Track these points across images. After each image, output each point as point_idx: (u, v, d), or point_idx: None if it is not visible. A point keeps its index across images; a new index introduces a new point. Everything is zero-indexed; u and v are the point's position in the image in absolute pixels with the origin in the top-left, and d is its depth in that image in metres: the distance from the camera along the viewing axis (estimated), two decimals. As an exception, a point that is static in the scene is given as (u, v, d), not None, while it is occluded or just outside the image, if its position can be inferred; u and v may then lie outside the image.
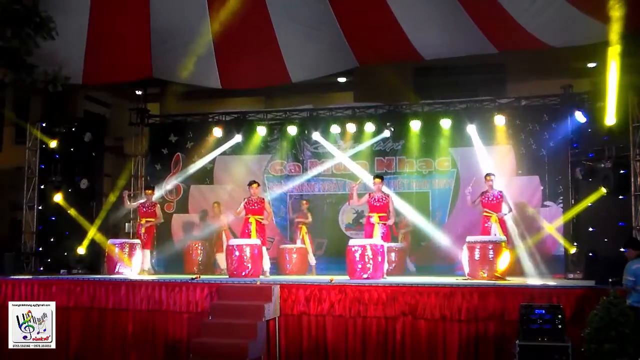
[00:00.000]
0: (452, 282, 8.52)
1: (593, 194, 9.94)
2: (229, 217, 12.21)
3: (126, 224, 12.58)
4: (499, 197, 9.86)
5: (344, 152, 12.50)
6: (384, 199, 9.86)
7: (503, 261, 9.06)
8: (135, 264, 10.48)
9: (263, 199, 10.60)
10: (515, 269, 10.33)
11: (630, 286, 6.60)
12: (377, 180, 9.96)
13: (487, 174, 10.05)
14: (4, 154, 15.86)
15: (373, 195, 9.92)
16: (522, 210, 11.42)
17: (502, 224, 9.79)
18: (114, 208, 12.29)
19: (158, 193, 13.00)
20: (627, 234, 9.18)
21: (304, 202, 12.28)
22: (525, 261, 11.01)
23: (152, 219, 11.16)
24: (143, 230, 11.01)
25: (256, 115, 12.98)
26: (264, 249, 10.21)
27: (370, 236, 9.72)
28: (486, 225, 9.79)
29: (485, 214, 9.89)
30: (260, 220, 10.25)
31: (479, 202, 9.96)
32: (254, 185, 10.45)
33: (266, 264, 10.27)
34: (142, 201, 11.40)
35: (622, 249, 7.12)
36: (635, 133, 9.49)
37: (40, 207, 11.88)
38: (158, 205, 11.53)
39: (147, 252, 11.12)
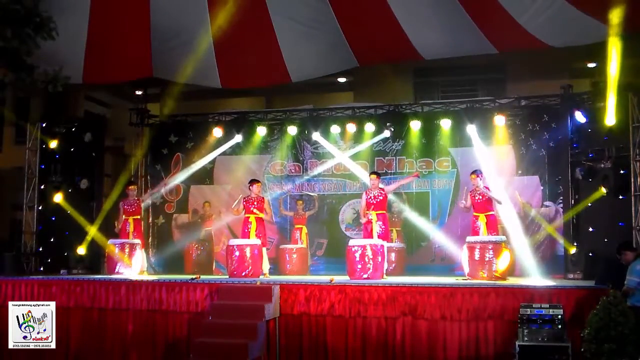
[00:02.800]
0: (452, 282, 8.52)
1: (593, 194, 9.94)
2: (226, 218, 12.25)
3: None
4: (485, 195, 9.69)
5: (344, 152, 12.49)
6: (380, 195, 9.82)
7: (503, 261, 9.06)
8: (135, 264, 10.47)
9: (263, 198, 10.59)
10: (515, 269, 10.34)
11: (634, 286, 6.57)
12: (373, 176, 9.89)
13: (472, 172, 9.85)
14: (4, 154, 15.88)
15: (369, 193, 9.86)
16: (522, 210, 11.43)
17: (492, 224, 9.60)
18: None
19: (157, 193, 13.00)
20: (627, 234, 9.19)
21: (299, 202, 12.29)
22: (524, 261, 11.03)
23: (139, 216, 11.14)
24: (131, 229, 10.95)
25: (256, 115, 12.98)
26: (264, 250, 10.21)
27: (369, 234, 9.69)
28: (475, 225, 9.68)
29: (474, 213, 9.81)
30: (259, 215, 10.27)
31: (469, 201, 9.86)
32: (257, 184, 10.44)
33: (265, 266, 10.26)
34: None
35: (617, 255, 7.09)
36: (635, 133, 9.49)
37: (40, 207, 11.87)
38: (141, 200, 11.50)
39: (142, 251, 11.10)
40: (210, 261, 12.02)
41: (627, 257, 6.94)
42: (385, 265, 9.50)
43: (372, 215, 9.72)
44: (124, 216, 10.96)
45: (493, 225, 9.62)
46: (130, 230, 10.88)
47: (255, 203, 10.32)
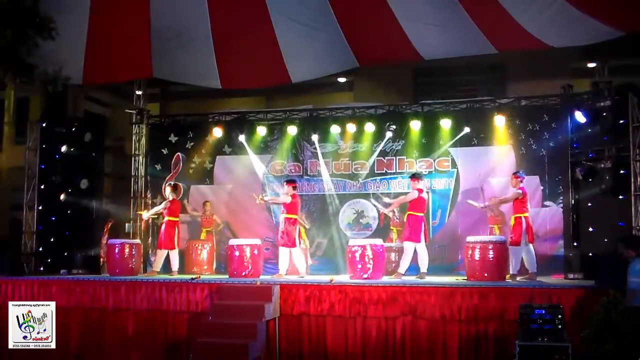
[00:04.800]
0: (452, 282, 8.53)
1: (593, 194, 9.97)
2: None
3: (126, 224, 12.57)
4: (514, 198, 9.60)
5: (344, 152, 12.52)
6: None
7: (503, 261, 9.06)
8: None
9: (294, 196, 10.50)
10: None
11: (636, 288, 6.52)
12: (412, 179, 9.97)
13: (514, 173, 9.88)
14: (4, 154, 15.90)
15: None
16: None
17: (516, 226, 9.39)
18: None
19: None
20: (619, 235, 9.17)
21: None
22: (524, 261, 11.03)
23: (175, 218, 11.13)
24: (163, 228, 10.93)
25: (256, 115, 12.97)
26: (293, 250, 10.11)
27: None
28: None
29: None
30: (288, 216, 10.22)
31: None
32: (287, 184, 10.39)
33: (301, 265, 10.18)
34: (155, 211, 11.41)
35: (620, 247, 7.05)
36: (635, 133, 9.48)
37: (40, 207, 11.86)
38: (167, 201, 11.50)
39: (162, 252, 11.03)
40: (210, 261, 12.00)
41: (628, 254, 6.88)
42: (405, 266, 9.62)
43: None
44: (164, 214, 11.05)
45: (516, 227, 9.39)
46: (162, 229, 10.97)
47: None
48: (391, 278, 9.31)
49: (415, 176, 10.11)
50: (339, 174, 12.59)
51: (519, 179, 9.65)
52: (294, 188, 10.35)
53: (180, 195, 11.66)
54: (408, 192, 9.96)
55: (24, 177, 11.94)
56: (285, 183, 10.49)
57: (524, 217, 9.37)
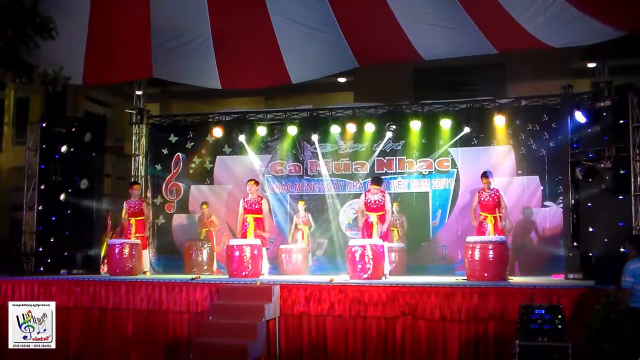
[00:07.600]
0: (452, 282, 8.53)
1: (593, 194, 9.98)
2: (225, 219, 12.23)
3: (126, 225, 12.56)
4: (495, 197, 9.77)
5: (344, 152, 12.53)
6: (380, 200, 9.81)
7: (503, 261, 9.06)
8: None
9: (262, 197, 10.60)
10: (515, 268, 10.34)
11: (630, 287, 6.54)
12: (375, 187, 9.88)
13: (484, 174, 9.91)
14: (4, 154, 15.92)
15: (369, 197, 9.86)
16: (522, 210, 11.44)
17: (497, 224, 9.64)
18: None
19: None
20: (627, 234, 9.18)
21: (301, 202, 12.26)
22: (525, 261, 11.03)
23: (142, 217, 11.15)
24: (133, 230, 10.96)
25: (256, 115, 12.98)
26: (263, 249, 10.19)
27: (369, 236, 9.69)
28: (483, 226, 9.70)
29: (481, 213, 9.85)
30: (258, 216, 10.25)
31: (476, 205, 9.89)
32: (251, 183, 10.46)
33: (264, 266, 10.25)
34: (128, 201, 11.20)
35: (624, 249, 7.05)
36: (635, 133, 9.48)
37: (40, 207, 11.86)
38: (144, 202, 11.54)
39: (145, 252, 11.12)
40: (210, 261, 12.01)
41: (630, 253, 6.87)
42: (388, 267, 9.51)
43: (373, 217, 9.71)
44: (127, 217, 11.01)
45: (498, 227, 9.59)
46: (132, 231, 10.91)
47: (253, 205, 10.32)
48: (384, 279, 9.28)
49: (381, 181, 10.15)
50: (339, 174, 12.61)
51: (490, 179, 9.76)
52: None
53: (136, 192, 11.50)
54: (383, 201, 9.81)
55: (24, 177, 11.95)
56: (249, 182, 10.51)
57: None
